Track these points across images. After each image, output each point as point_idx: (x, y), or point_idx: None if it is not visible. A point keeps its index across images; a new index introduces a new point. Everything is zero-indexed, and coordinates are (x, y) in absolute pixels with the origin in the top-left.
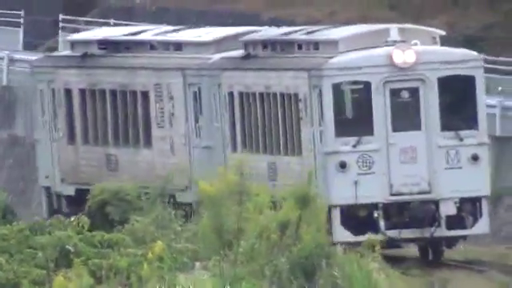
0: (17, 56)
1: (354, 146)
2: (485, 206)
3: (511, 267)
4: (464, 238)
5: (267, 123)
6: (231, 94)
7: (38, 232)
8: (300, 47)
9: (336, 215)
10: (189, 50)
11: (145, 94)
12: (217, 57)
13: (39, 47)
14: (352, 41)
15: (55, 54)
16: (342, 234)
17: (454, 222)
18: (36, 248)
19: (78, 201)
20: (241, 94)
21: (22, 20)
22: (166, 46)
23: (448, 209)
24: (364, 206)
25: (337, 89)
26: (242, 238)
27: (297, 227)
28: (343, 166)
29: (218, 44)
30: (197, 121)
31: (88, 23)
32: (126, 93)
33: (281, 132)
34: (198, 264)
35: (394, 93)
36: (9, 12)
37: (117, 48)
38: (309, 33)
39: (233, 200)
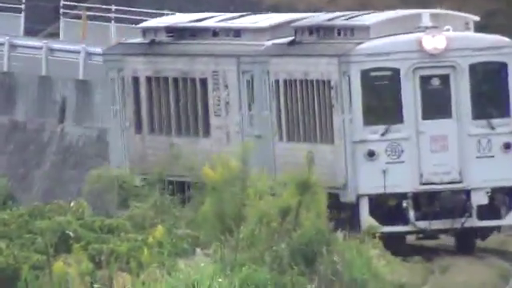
0: (18, 42)
1: (383, 135)
2: None
3: (511, 254)
4: (498, 228)
5: (305, 111)
6: (277, 82)
7: (37, 217)
8: (339, 33)
9: (364, 205)
10: (246, 36)
11: (203, 82)
12: (269, 43)
13: (40, 33)
14: (384, 26)
15: (126, 41)
16: (371, 225)
17: (486, 212)
18: (36, 233)
19: None
20: (285, 82)
21: (22, 6)
22: (227, 32)
23: (479, 199)
24: (393, 196)
25: (365, 75)
26: (243, 224)
27: (297, 213)
28: (371, 154)
29: (274, 30)
30: (250, 109)
31: (89, 9)
32: (186, 80)
33: (317, 120)
34: (198, 250)
35: (424, 80)
36: None
37: (182, 35)
38: (349, 18)
39: (235, 186)
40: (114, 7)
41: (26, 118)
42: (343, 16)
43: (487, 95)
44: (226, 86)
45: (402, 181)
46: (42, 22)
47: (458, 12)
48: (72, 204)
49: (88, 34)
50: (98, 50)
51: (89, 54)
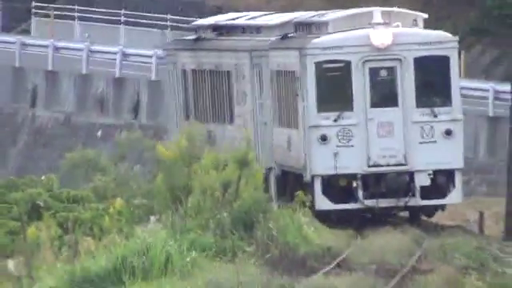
0: None
1: (335, 121)
2: (458, 178)
3: (425, 222)
4: (442, 207)
5: (286, 100)
6: (272, 73)
7: (12, 189)
8: (301, 29)
9: (317, 185)
10: (264, 33)
11: (229, 74)
12: (273, 39)
13: (14, 30)
14: (341, 22)
15: (180, 38)
16: (323, 203)
17: (429, 192)
18: (11, 203)
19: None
20: (276, 73)
21: None
22: (250, 29)
23: (422, 180)
24: (343, 176)
25: (319, 67)
26: (191, 195)
27: (237, 186)
28: (324, 138)
29: (281, 27)
30: (259, 99)
31: (56, 9)
32: (218, 73)
33: (290, 108)
34: (152, 217)
35: (373, 71)
36: None
37: (219, 32)
38: (315, 16)
39: (184, 162)
40: (77, 7)
41: (2, 104)
42: (317, 15)
43: (430, 86)
44: (243, 78)
45: (352, 163)
46: (16, 20)
47: (407, 10)
48: (43, 178)
49: (55, 31)
50: (64, 44)
51: (56, 48)
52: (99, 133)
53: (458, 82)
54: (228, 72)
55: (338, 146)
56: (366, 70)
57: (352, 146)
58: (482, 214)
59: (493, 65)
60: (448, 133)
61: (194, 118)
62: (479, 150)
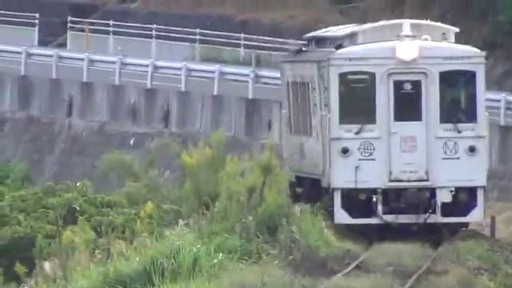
0: (33, 50)
1: (357, 133)
2: (480, 196)
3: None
4: (465, 225)
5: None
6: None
7: (49, 194)
8: (331, 43)
9: (337, 198)
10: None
11: (308, 86)
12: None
13: (51, 43)
14: (370, 34)
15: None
16: (342, 217)
17: (450, 209)
18: (48, 208)
19: (297, 185)
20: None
21: (36, 20)
22: (330, 40)
23: (444, 197)
24: (363, 191)
25: (343, 78)
26: (217, 200)
27: (261, 191)
28: (345, 151)
29: (349, 38)
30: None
31: (91, 24)
32: (302, 84)
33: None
34: (180, 221)
35: (398, 84)
36: (25, 14)
37: (313, 44)
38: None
39: (210, 169)
40: (111, 22)
41: (40, 113)
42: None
43: (455, 101)
44: (314, 89)
45: (373, 177)
46: (53, 34)
47: (436, 23)
48: (78, 184)
49: (90, 45)
50: (98, 57)
51: (91, 61)
52: (131, 141)
53: (483, 98)
54: (307, 83)
55: (359, 160)
56: (390, 82)
57: (373, 159)
58: (493, 218)
59: (504, 76)
60: (472, 150)
61: (291, 131)
62: (491, 158)
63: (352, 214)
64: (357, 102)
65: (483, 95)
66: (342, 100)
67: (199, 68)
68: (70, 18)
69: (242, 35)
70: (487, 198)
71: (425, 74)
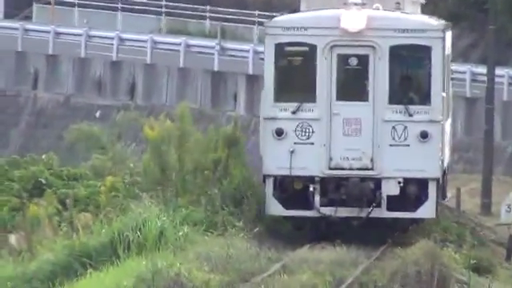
0: None
1: (294, 113)
2: (432, 189)
3: None
4: (415, 222)
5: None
6: None
7: (15, 167)
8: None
9: (269, 186)
10: None
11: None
12: None
13: (16, 16)
14: (314, 1)
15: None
16: (274, 207)
17: (397, 203)
18: (14, 180)
19: None
20: None
21: None
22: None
23: (390, 189)
24: (299, 179)
25: (279, 49)
26: (181, 173)
27: (226, 163)
28: (280, 133)
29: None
30: None
31: None
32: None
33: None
34: (145, 194)
35: (342, 59)
36: None
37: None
38: None
39: (174, 142)
40: None
41: (5, 86)
42: None
43: (407, 80)
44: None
45: (310, 163)
46: (18, 7)
47: None
48: (43, 156)
49: (56, 17)
50: (64, 29)
51: (56, 33)
52: (97, 113)
53: (440, 78)
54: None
55: (295, 143)
56: (333, 56)
57: (312, 143)
58: (459, 190)
59: (470, 48)
60: (424, 136)
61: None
62: (457, 130)
63: (286, 205)
64: (295, 77)
65: (440, 74)
66: (277, 74)
67: (165, 40)
68: None
69: (208, 7)
70: (442, 190)
71: (373, 47)
